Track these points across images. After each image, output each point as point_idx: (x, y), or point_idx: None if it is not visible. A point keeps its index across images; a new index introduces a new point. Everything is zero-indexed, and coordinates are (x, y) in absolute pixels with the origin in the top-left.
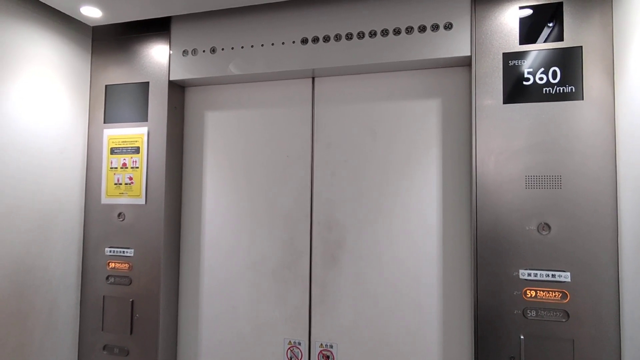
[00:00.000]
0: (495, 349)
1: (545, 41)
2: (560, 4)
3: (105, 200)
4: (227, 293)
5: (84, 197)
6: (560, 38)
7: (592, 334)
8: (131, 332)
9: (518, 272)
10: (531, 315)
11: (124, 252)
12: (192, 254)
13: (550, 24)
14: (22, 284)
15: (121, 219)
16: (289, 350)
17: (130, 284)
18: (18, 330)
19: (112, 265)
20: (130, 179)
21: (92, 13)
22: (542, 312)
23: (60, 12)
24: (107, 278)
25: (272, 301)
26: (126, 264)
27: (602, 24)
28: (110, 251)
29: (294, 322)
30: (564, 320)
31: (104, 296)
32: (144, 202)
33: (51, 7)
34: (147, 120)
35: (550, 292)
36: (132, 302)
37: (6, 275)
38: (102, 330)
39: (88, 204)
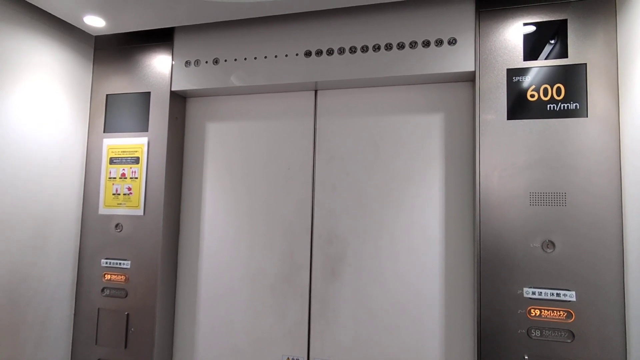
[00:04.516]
0: None
1: (549, 58)
2: (565, 21)
3: (102, 210)
4: (224, 306)
5: (81, 206)
6: (564, 55)
7: (598, 356)
8: (126, 346)
9: (522, 290)
10: (535, 335)
11: (120, 263)
12: (189, 267)
13: (555, 41)
14: (16, 294)
15: (118, 230)
16: None
17: (126, 296)
18: (9, 342)
19: (107, 277)
20: (129, 189)
21: (95, 23)
22: (546, 332)
23: (63, 21)
24: (103, 290)
25: (271, 316)
26: (122, 276)
27: (606, 41)
28: (106, 262)
29: (292, 337)
30: (569, 340)
31: (98, 308)
32: (142, 213)
33: (54, 15)
34: (147, 131)
35: (555, 312)
36: (128, 315)
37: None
38: (96, 343)
39: (85, 213)
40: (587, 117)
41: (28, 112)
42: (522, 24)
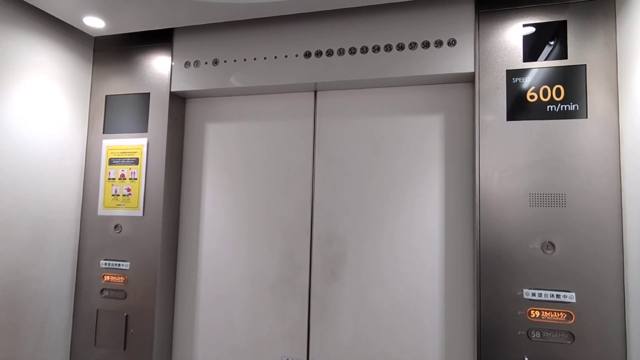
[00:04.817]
0: None
1: (548, 59)
2: (564, 23)
3: (102, 211)
4: (223, 308)
5: (80, 207)
6: (563, 56)
7: (598, 357)
8: (124, 348)
9: (522, 292)
10: (535, 337)
11: (119, 264)
12: (189, 268)
13: (554, 42)
14: (15, 295)
15: (118, 231)
16: None
17: (125, 297)
18: (9, 343)
19: (107, 278)
20: (128, 190)
21: (94, 24)
22: (546, 333)
23: (63, 21)
24: (102, 291)
25: (270, 317)
26: (121, 277)
27: (605, 42)
28: (105, 264)
29: (292, 338)
30: (569, 342)
31: (97, 310)
32: (141, 214)
33: (54, 16)
34: (147, 132)
35: (555, 313)
36: (127, 316)
37: None
38: (95, 345)
39: (84, 214)
40: (586, 118)
41: (27, 113)
42: (521, 25)
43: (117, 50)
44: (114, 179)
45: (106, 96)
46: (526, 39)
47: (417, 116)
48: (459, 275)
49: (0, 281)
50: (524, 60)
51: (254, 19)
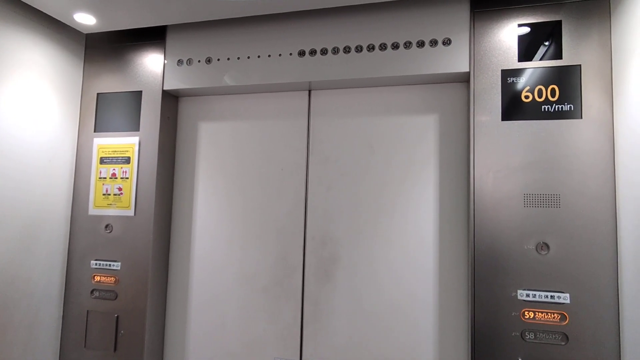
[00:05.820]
0: None
1: (543, 59)
2: (559, 23)
3: (92, 211)
4: (216, 309)
5: (70, 207)
6: (558, 56)
7: (592, 358)
8: (115, 350)
9: (516, 293)
10: (529, 338)
11: (110, 265)
12: (181, 268)
13: (549, 42)
14: (3, 296)
15: (108, 231)
16: None
17: (116, 298)
18: None
19: (97, 278)
20: (120, 189)
21: (85, 20)
22: (540, 334)
23: (54, 18)
24: (92, 292)
25: (263, 318)
26: (112, 278)
27: (600, 43)
28: (96, 264)
29: (285, 340)
30: (563, 343)
31: (87, 311)
32: (132, 214)
33: (44, 13)
34: (138, 130)
35: (549, 314)
36: (117, 317)
37: None
38: (85, 347)
39: (75, 214)
40: (581, 118)
41: (17, 110)
42: (516, 25)
43: (109, 47)
44: (105, 178)
45: (97, 94)
46: (521, 38)
47: (411, 116)
48: (453, 276)
49: None
50: (519, 60)
51: (248, 17)
